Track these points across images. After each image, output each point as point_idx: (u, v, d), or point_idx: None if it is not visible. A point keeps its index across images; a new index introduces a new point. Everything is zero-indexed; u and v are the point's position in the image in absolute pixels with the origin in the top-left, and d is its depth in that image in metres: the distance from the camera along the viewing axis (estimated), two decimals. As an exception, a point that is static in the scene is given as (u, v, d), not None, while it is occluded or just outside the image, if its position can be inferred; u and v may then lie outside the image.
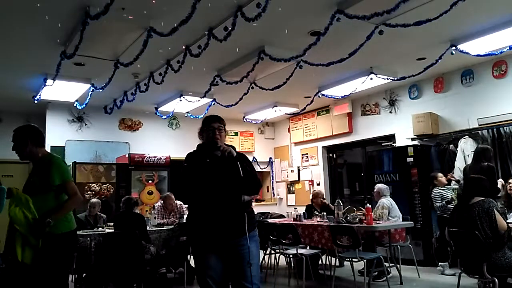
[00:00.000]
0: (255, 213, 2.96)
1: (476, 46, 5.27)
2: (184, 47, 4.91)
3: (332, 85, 6.95)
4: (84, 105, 6.93)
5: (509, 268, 3.45)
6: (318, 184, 9.00)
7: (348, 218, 5.23)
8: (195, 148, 2.88)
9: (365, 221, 5.00)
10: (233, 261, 2.66)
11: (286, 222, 5.90)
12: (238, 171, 2.62)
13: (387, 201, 5.75)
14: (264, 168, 10.02)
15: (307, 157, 9.33)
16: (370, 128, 7.97)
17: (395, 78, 6.39)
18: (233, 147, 2.77)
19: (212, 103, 7.33)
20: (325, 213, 5.73)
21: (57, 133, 7.60)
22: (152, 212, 6.16)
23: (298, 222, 5.70)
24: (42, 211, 2.83)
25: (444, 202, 5.54)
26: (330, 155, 9.09)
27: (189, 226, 2.80)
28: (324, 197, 6.65)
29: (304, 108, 8.03)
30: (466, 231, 3.58)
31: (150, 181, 7.65)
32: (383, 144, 7.81)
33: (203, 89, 6.49)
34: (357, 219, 5.15)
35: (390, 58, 5.89)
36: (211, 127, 2.76)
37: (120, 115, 8.32)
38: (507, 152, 5.87)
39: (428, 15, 4.09)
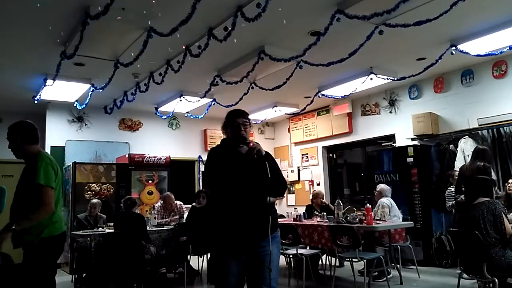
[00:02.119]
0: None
1: (476, 46, 5.27)
2: (184, 47, 4.91)
3: (332, 85, 6.95)
4: (84, 105, 6.93)
5: (509, 268, 3.44)
6: (318, 184, 9.00)
7: (348, 218, 5.23)
8: (219, 143, 2.70)
9: (365, 221, 5.00)
10: (253, 264, 2.54)
11: (286, 222, 5.89)
12: (266, 171, 2.45)
13: (387, 200, 5.77)
14: (264, 168, 10.00)
15: (307, 157, 9.32)
16: (370, 128, 7.97)
17: (395, 78, 6.39)
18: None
19: (212, 103, 7.33)
20: (325, 213, 5.72)
21: (57, 133, 7.61)
22: (152, 212, 6.16)
23: (298, 222, 5.70)
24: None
25: (454, 203, 5.43)
26: (330, 155, 9.09)
27: (212, 226, 2.64)
28: (324, 197, 6.64)
29: (304, 108, 8.04)
30: (466, 231, 3.58)
31: (150, 181, 7.64)
32: (383, 144, 7.81)
33: (203, 89, 6.49)
34: (357, 219, 5.15)
35: (390, 58, 5.89)
36: (235, 123, 2.58)
37: (120, 115, 8.32)
38: (507, 152, 5.86)
39: (428, 15, 4.09)
